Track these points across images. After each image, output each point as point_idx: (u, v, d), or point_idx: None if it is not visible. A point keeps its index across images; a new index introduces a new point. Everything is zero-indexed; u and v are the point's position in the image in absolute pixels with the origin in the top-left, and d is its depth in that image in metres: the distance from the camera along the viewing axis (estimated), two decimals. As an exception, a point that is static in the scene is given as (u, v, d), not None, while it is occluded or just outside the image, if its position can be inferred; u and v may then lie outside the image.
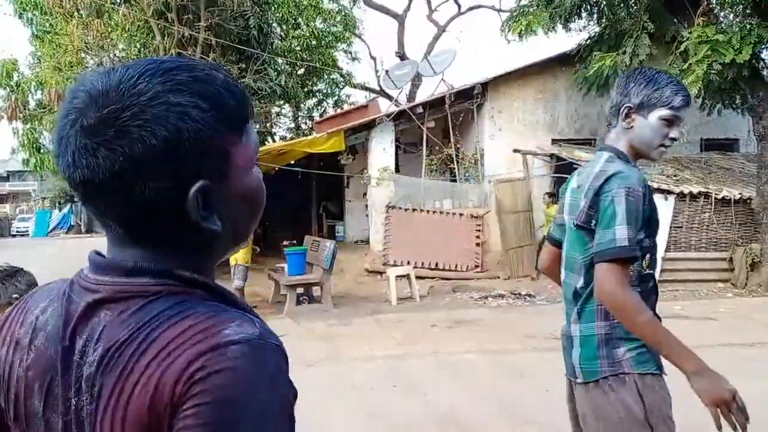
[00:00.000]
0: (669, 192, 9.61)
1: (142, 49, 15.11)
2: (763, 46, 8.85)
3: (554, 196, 11.12)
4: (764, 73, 10.20)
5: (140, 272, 0.72)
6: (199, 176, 0.70)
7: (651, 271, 1.93)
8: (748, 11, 8.93)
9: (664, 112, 1.88)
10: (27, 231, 38.06)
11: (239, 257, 9.19)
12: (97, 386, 0.67)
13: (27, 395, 0.73)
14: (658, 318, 1.84)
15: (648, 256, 1.89)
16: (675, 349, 1.71)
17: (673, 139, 1.92)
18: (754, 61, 9.02)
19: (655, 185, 9.69)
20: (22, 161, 17.58)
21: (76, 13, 13.96)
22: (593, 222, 1.83)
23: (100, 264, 0.74)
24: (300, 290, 9.04)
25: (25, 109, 18.31)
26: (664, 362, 1.84)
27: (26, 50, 17.95)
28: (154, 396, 0.64)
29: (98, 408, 0.67)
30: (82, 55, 15.67)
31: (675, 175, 10.44)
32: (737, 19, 9.07)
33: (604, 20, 11.23)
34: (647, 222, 1.86)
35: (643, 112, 1.90)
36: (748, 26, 8.51)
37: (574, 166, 11.13)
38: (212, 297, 0.73)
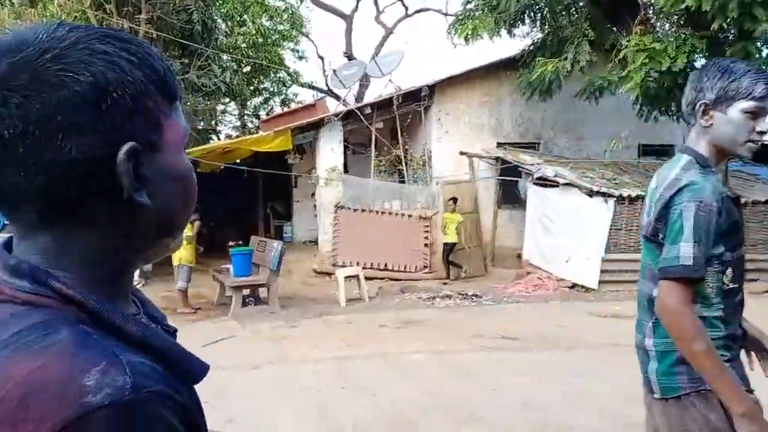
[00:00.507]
0: (609, 195, 9.94)
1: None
2: (697, 55, 9.27)
3: (456, 202, 11.37)
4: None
5: (19, 274, 0.60)
6: (128, 137, 0.61)
7: (735, 285, 1.78)
8: (682, 22, 9.34)
9: (746, 104, 1.71)
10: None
11: (183, 257, 8.94)
12: None
13: None
14: (743, 331, 1.83)
15: (730, 270, 1.75)
16: (726, 387, 1.61)
17: (762, 133, 1.74)
18: (688, 69, 9.43)
19: (595, 189, 10.01)
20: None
21: (8, 2, 13.28)
22: (660, 235, 1.75)
23: None
24: (246, 292, 8.87)
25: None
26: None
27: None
28: None
29: None
30: (16, 23, 14.97)
31: (614, 179, 10.81)
32: (672, 29, 9.48)
33: (546, 27, 11.53)
34: (727, 235, 1.74)
35: (721, 107, 1.74)
36: (683, 36, 8.91)
37: (519, 169, 11.39)
38: (88, 319, 0.59)
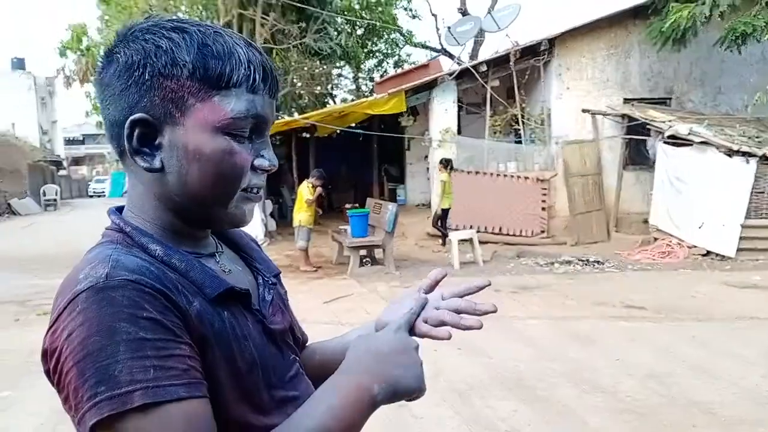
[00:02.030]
0: (750, 155, 9.02)
1: (204, 11, 15.30)
2: None
3: (450, 163, 10.59)
4: None
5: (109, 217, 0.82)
6: (143, 109, 0.75)
7: None
8: None
9: None
10: (103, 192, 40.06)
11: (302, 219, 9.31)
12: None
13: None
14: None
15: None
16: None
17: None
18: None
19: (735, 147, 9.12)
20: (96, 124, 18.30)
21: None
22: None
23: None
24: (363, 252, 9.10)
25: (95, 72, 18.98)
26: None
27: (95, 14, 18.47)
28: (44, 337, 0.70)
29: None
30: (149, 17, 15.99)
31: (757, 137, 9.77)
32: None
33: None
34: None
35: None
36: None
37: (647, 126, 10.62)
38: (123, 240, 0.77)
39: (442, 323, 0.87)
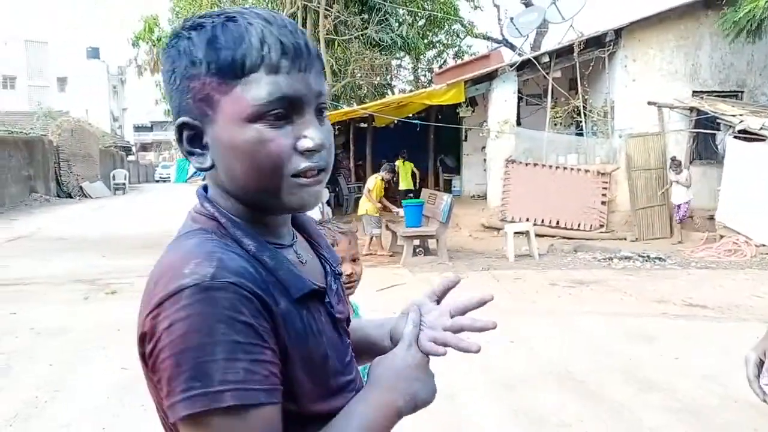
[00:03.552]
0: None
1: (270, 2, 15.58)
2: None
3: (406, 153, 10.31)
4: None
5: (198, 199, 0.84)
6: (184, 113, 0.79)
7: None
8: None
9: None
10: (168, 177, 41.61)
11: (369, 209, 9.46)
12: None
13: None
14: None
15: None
16: None
17: None
18: None
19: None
20: (164, 111, 19.00)
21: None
22: None
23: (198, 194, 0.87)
24: (416, 242, 9.14)
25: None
26: None
27: (167, 6, 19.12)
28: (139, 319, 0.73)
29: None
30: (216, 8, 16.44)
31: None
32: None
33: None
34: None
35: None
36: None
37: (717, 120, 10.18)
38: (218, 230, 0.79)
39: (445, 344, 0.90)
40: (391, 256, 9.40)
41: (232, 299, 0.69)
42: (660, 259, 8.86)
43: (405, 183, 12.88)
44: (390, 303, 6.51)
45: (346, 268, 1.86)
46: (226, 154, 0.77)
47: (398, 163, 12.23)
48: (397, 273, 8.21)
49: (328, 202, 12.93)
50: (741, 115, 9.79)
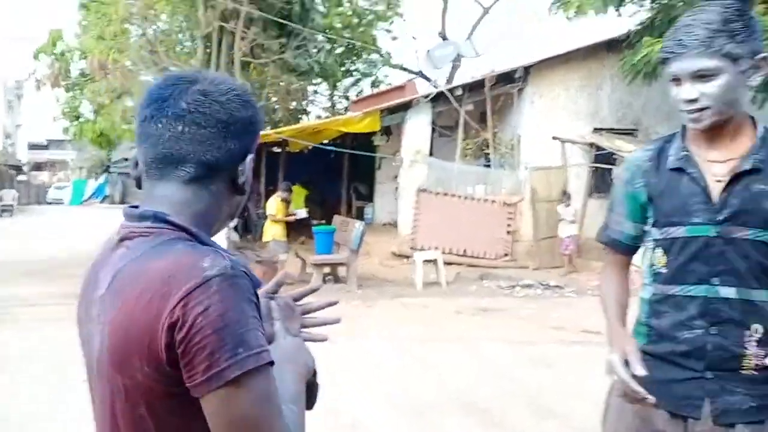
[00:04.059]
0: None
1: (185, 21, 15.20)
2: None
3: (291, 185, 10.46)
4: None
5: (144, 218, 0.92)
6: (249, 151, 0.99)
7: (669, 272, 1.52)
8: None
9: (667, 68, 1.47)
10: (62, 200, 38.82)
11: (276, 233, 9.20)
12: (107, 302, 0.88)
13: (79, 312, 0.99)
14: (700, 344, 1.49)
15: (660, 250, 1.54)
16: (607, 335, 1.62)
17: (690, 101, 1.42)
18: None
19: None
20: (62, 129, 17.96)
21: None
22: None
23: (127, 213, 0.96)
24: (326, 270, 8.98)
25: (67, 77, 18.70)
26: None
27: (74, 19, 18.23)
28: (152, 314, 0.82)
29: (108, 318, 0.87)
30: (126, 25, 15.87)
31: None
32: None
33: (657, 5, 10.76)
34: (649, 209, 1.56)
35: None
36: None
37: (614, 156, 10.77)
38: (192, 239, 0.90)
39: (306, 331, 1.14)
40: (291, 284, 9.12)
41: (248, 284, 0.85)
42: (559, 287, 9.19)
43: (295, 206, 12.43)
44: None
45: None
46: (247, 184, 1.01)
47: (294, 188, 12.04)
48: (304, 302, 7.99)
49: (235, 228, 12.55)
50: (636, 151, 10.42)
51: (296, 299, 1.16)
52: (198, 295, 0.81)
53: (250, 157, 0.99)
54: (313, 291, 1.21)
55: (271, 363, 0.84)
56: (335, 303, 1.19)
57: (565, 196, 10.78)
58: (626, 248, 1.69)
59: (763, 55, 1.42)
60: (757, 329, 1.45)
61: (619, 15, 11.32)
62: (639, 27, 10.91)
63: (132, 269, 0.87)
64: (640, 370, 1.40)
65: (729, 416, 1.47)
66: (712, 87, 1.40)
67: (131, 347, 0.84)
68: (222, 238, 11.55)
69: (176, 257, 0.86)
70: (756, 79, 1.44)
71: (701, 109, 1.43)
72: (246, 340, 0.81)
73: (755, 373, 1.46)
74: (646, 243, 1.61)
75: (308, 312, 1.16)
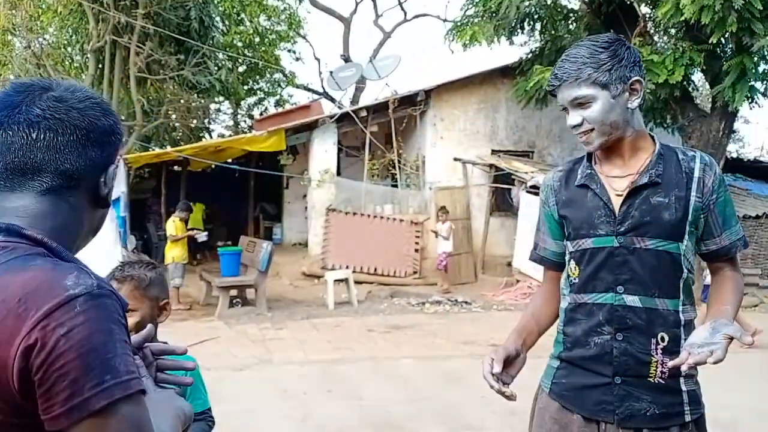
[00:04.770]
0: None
1: (74, 34, 14.38)
2: (695, 68, 9.25)
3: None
4: (694, 94, 10.67)
5: (13, 233, 0.84)
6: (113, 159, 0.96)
7: (576, 281, 1.63)
8: (680, 34, 9.33)
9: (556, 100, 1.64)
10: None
11: (176, 255, 8.84)
12: None
13: None
14: (610, 349, 1.59)
15: (573, 263, 1.64)
16: None
17: (575, 126, 1.58)
18: (685, 82, 9.43)
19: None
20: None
21: (3, -9, 13.13)
22: None
23: None
24: (233, 292, 8.74)
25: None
26: None
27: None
28: (3, 337, 0.73)
29: None
30: (9, 36, 14.81)
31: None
32: (671, 41, 9.48)
33: (545, 35, 11.51)
34: (562, 225, 1.68)
35: None
36: (681, 48, 8.89)
37: (512, 177, 11.35)
38: (51, 254, 0.83)
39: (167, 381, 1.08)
40: (188, 309, 8.82)
41: (116, 304, 0.79)
42: (466, 302, 9.49)
43: (193, 223, 11.91)
44: (203, 358, 6.08)
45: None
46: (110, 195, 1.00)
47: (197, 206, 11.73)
48: (212, 326, 7.74)
49: (134, 250, 11.95)
50: (532, 172, 11.03)
51: (154, 352, 1.08)
52: (60, 316, 0.73)
53: (112, 168, 0.95)
54: (173, 353, 1.10)
55: (143, 391, 0.78)
56: (192, 368, 1.15)
57: (441, 212, 10.88)
58: (554, 264, 1.77)
59: (634, 78, 1.54)
60: (663, 337, 1.52)
61: (511, 44, 12.01)
62: (529, 55, 11.64)
63: None
64: (497, 368, 1.51)
65: (634, 421, 1.54)
66: (591, 112, 1.54)
67: None
68: (117, 262, 10.96)
69: (34, 274, 0.77)
70: (634, 102, 1.56)
71: (588, 132, 1.56)
72: (114, 366, 0.74)
73: (661, 381, 1.53)
74: (567, 255, 1.69)
75: (163, 368, 1.08)
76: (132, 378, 0.76)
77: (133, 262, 1.83)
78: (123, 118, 13.70)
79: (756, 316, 8.01)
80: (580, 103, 1.54)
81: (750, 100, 9.21)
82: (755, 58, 8.55)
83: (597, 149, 1.60)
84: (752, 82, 8.75)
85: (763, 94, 9.19)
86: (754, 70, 8.60)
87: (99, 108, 0.93)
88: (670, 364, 1.42)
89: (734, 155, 18.42)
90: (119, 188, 11.25)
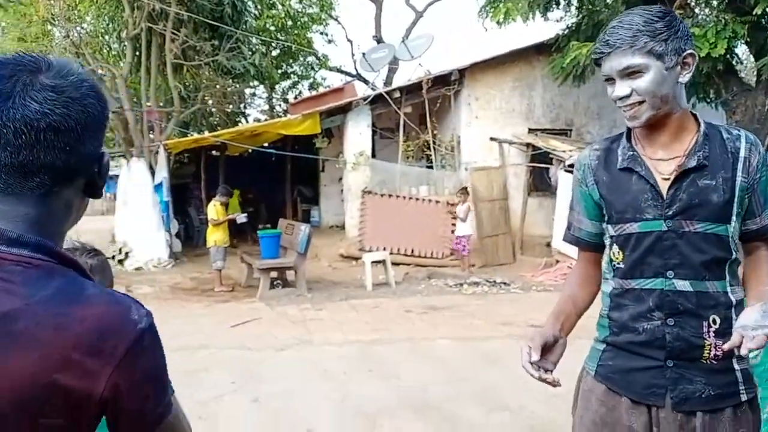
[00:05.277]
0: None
1: (111, 22, 14.66)
2: (738, 41, 8.92)
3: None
4: (738, 68, 10.29)
5: (21, 244, 0.80)
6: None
7: (621, 266, 1.60)
8: (722, 6, 8.98)
9: (600, 71, 1.57)
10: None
11: (218, 239, 9.04)
12: None
13: None
14: (661, 334, 1.56)
15: (616, 247, 1.61)
16: None
17: (623, 97, 1.52)
18: (728, 55, 9.10)
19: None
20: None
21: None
22: None
23: None
24: (274, 274, 8.91)
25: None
26: None
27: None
28: (81, 371, 0.77)
29: None
30: (48, 26, 15.16)
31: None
32: (712, 14, 9.13)
33: (582, 10, 11.22)
34: (603, 207, 1.64)
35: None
36: (723, 21, 8.57)
37: (550, 155, 11.19)
38: (82, 273, 0.85)
39: None
40: (230, 291, 9.05)
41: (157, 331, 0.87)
42: (505, 283, 9.46)
43: (231, 210, 12.07)
44: (245, 339, 6.26)
45: None
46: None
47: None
48: (253, 307, 7.93)
49: (177, 234, 12.26)
50: (570, 150, 10.85)
51: None
52: (137, 352, 0.82)
53: (107, 157, 0.91)
54: None
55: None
56: None
57: (459, 193, 10.68)
58: (590, 245, 1.73)
59: (688, 51, 1.50)
60: (715, 320, 1.50)
61: (546, 20, 11.75)
62: (566, 31, 11.37)
63: (34, 315, 0.76)
64: (535, 356, 1.47)
65: (689, 404, 1.52)
66: (642, 82, 1.47)
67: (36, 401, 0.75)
68: (163, 246, 11.28)
69: (103, 307, 0.81)
70: (686, 76, 1.51)
71: (636, 104, 1.50)
72: (168, 382, 0.90)
73: (714, 362, 1.51)
74: (605, 239, 1.66)
75: None
76: (170, 385, 0.91)
77: (74, 249, 1.79)
78: (161, 104, 13.97)
79: None
80: (632, 73, 1.48)
81: (798, 72, 8.84)
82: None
83: (644, 125, 1.53)
84: (800, 53, 8.40)
85: (812, 65, 8.80)
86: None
87: (95, 95, 0.86)
88: (726, 346, 1.39)
89: (782, 129, 17.76)
90: (161, 174, 11.57)
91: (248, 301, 8.40)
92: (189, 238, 13.79)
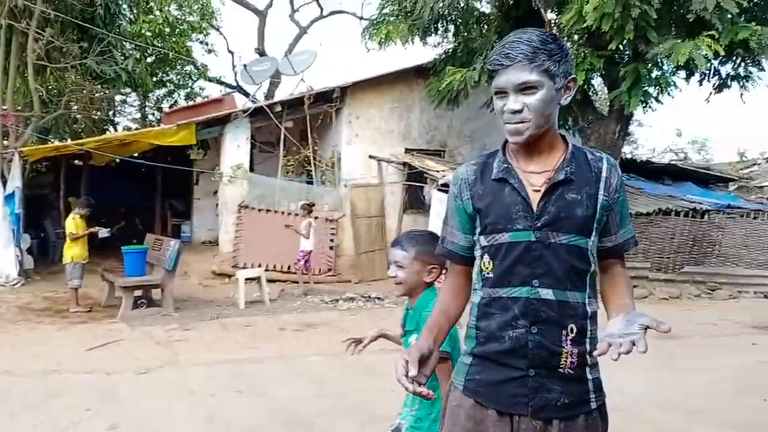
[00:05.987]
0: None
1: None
2: (594, 74, 9.78)
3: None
4: (593, 98, 11.25)
5: None
6: None
7: (491, 276, 1.63)
8: (582, 40, 9.82)
9: (494, 82, 1.57)
10: None
11: (75, 255, 8.34)
12: None
13: None
14: (525, 342, 1.57)
15: (486, 257, 1.64)
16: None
17: (515, 112, 1.53)
18: (585, 86, 9.95)
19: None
20: None
21: None
22: None
23: None
24: (138, 293, 8.35)
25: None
26: None
27: None
28: None
29: None
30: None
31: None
32: (573, 47, 9.95)
33: (458, 37, 11.79)
34: (476, 219, 1.66)
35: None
36: (582, 54, 9.37)
37: (425, 175, 11.55)
38: None
39: None
40: (88, 311, 8.37)
41: None
42: (379, 298, 9.57)
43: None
44: (103, 362, 5.79)
45: None
46: None
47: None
48: (114, 329, 7.36)
49: (29, 250, 11.20)
50: (443, 170, 11.26)
51: None
52: None
53: None
54: None
55: None
56: None
57: (302, 208, 10.25)
58: (462, 258, 1.74)
59: (572, 76, 1.57)
60: (573, 328, 1.56)
61: (425, 44, 12.23)
62: (443, 56, 11.89)
63: None
64: (413, 371, 1.46)
65: (546, 412, 1.56)
66: (534, 100, 1.51)
67: None
68: (12, 263, 10.21)
69: None
70: (567, 99, 1.58)
71: (523, 121, 1.54)
72: None
73: (571, 371, 1.57)
74: (476, 252, 1.68)
75: None
76: None
77: None
78: (19, 108, 12.77)
79: (646, 307, 8.58)
80: (527, 89, 1.51)
81: (644, 104, 9.85)
82: (649, 65, 9.15)
83: (525, 141, 1.57)
84: (646, 87, 9.37)
85: (656, 99, 9.84)
86: (647, 76, 9.21)
87: None
88: (595, 353, 1.40)
89: (628, 156, 19.67)
90: (14, 183, 10.54)
91: (108, 321, 7.80)
92: (44, 253, 12.62)
